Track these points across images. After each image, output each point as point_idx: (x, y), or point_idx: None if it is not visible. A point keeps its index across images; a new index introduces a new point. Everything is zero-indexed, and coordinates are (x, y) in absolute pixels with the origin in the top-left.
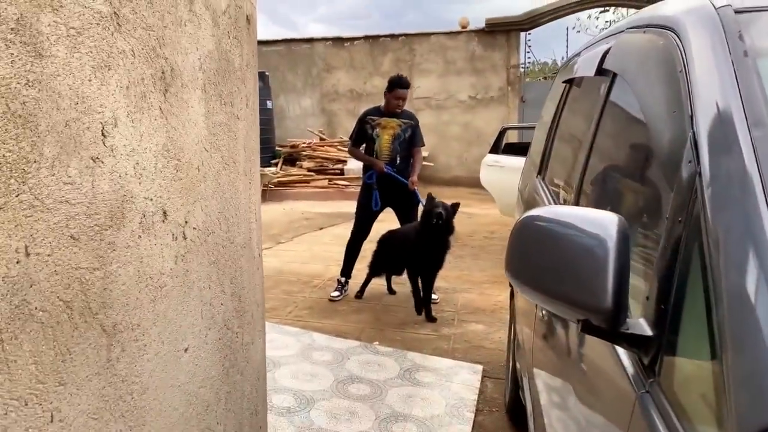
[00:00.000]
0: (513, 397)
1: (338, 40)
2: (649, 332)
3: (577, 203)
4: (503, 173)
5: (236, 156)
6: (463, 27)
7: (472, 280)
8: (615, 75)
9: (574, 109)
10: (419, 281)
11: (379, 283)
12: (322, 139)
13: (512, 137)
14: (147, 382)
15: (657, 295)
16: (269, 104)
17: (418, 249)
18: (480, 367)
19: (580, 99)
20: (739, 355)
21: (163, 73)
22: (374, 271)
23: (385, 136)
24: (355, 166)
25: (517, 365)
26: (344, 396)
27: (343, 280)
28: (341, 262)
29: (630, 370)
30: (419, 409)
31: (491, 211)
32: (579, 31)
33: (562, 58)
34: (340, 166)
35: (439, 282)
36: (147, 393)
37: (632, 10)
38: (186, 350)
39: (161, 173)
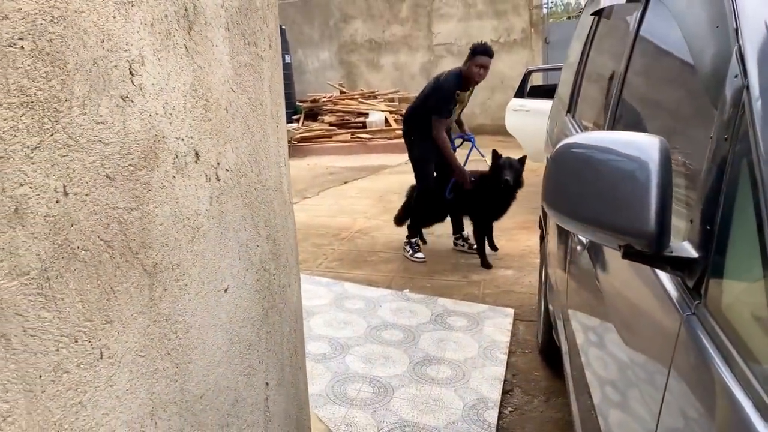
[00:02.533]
0: (546, 339)
1: None
2: (694, 254)
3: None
4: (529, 117)
5: (263, 98)
6: None
7: (501, 226)
8: None
9: (604, 40)
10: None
11: (404, 234)
12: (342, 92)
13: (536, 81)
14: (190, 321)
15: (702, 217)
16: (288, 59)
17: (488, 202)
18: (511, 311)
19: (610, 29)
20: None
21: (186, 10)
22: (434, 219)
23: (457, 111)
24: (377, 118)
25: (550, 307)
26: (378, 342)
27: (409, 240)
28: (368, 215)
29: (674, 294)
30: (452, 352)
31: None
32: None
33: None
34: (362, 119)
35: (468, 229)
36: (190, 332)
37: None
38: (226, 290)
39: (191, 113)
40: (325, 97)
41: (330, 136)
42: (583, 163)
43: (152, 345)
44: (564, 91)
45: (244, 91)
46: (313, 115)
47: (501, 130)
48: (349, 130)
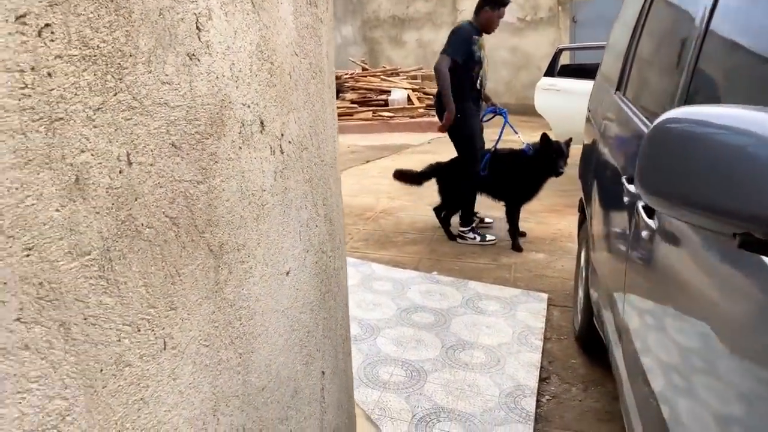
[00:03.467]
0: (584, 326)
1: None
2: None
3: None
4: (560, 97)
5: (322, 64)
6: None
7: (530, 209)
8: None
9: (667, 12)
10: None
11: (429, 215)
12: (364, 69)
13: (564, 60)
14: (254, 306)
15: None
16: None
17: (526, 184)
18: (545, 296)
19: (675, 0)
20: None
21: None
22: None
23: (485, 59)
24: (399, 96)
25: (592, 293)
26: (409, 324)
27: (471, 226)
28: (391, 195)
29: None
30: (486, 337)
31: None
32: None
33: None
34: (384, 96)
35: (495, 212)
36: (254, 318)
37: None
38: (287, 273)
39: (256, 77)
40: (346, 74)
41: (351, 114)
42: (689, 141)
43: (216, 333)
44: (611, 69)
45: (306, 55)
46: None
47: (527, 110)
48: (371, 108)
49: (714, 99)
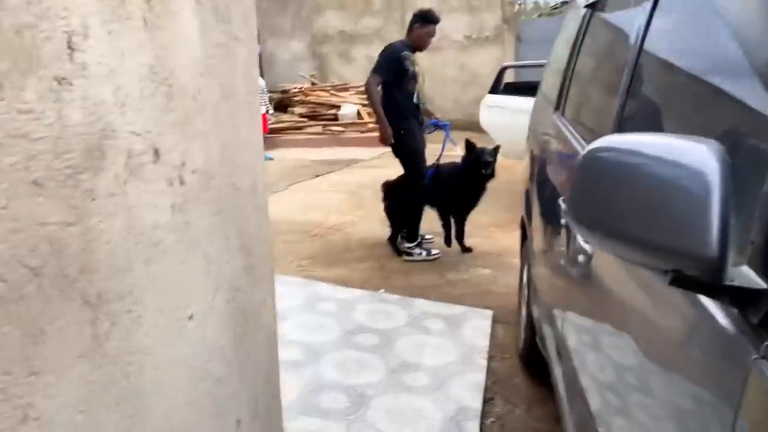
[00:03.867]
0: (528, 345)
1: None
2: (762, 284)
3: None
4: (505, 114)
5: (236, 84)
6: None
7: (477, 224)
8: None
9: (601, 32)
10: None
11: (379, 231)
12: (313, 83)
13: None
14: (145, 360)
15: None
16: (259, 49)
17: (462, 191)
18: (490, 312)
19: (611, 20)
20: None
21: None
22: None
23: (420, 74)
24: (349, 111)
25: (534, 311)
26: (353, 347)
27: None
28: (341, 210)
29: (728, 328)
30: (430, 358)
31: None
32: None
33: None
34: (334, 111)
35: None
36: (145, 374)
37: None
38: (190, 318)
39: (149, 101)
40: (296, 88)
41: (301, 128)
42: (622, 172)
43: (95, 397)
44: (550, 88)
45: (215, 76)
46: (283, 106)
47: (474, 126)
48: (321, 122)
49: (648, 120)
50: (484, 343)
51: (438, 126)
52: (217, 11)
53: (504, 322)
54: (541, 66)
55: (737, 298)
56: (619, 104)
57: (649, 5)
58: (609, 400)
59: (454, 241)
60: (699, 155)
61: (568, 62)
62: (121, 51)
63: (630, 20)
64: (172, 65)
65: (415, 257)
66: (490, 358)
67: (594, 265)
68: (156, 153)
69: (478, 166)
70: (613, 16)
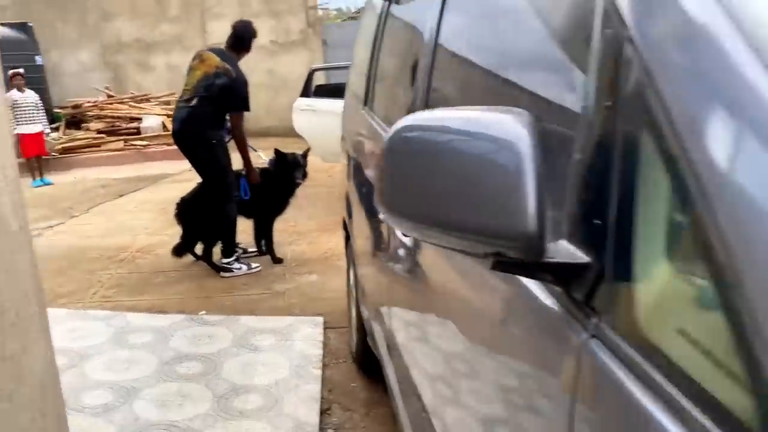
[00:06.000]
0: (361, 347)
1: None
2: (584, 258)
3: None
4: (317, 117)
5: None
6: None
7: (299, 230)
8: None
9: (402, 19)
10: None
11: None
12: (109, 96)
13: (319, 80)
14: None
15: (585, 208)
16: (39, 60)
17: (277, 198)
18: (320, 319)
19: (406, 11)
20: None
21: None
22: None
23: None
24: (152, 123)
25: (363, 312)
26: (173, 378)
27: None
28: (150, 231)
29: (556, 310)
30: (261, 377)
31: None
32: None
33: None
34: (135, 124)
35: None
36: None
37: None
38: None
39: None
40: (89, 102)
41: (99, 145)
42: (430, 152)
43: None
44: (357, 85)
45: None
46: (76, 122)
47: (288, 132)
48: (122, 137)
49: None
50: (317, 351)
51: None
52: None
53: (336, 327)
54: (349, 67)
55: (560, 276)
56: (420, 90)
57: None
58: (441, 392)
59: (278, 249)
60: (507, 125)
61: (371, 59)
62: None
63: (423, 10)
64: None
65: (236, 272)
66: (325, 366)
67: (414, 258)
68: None
69: (290, 173)
70: (408, 8)
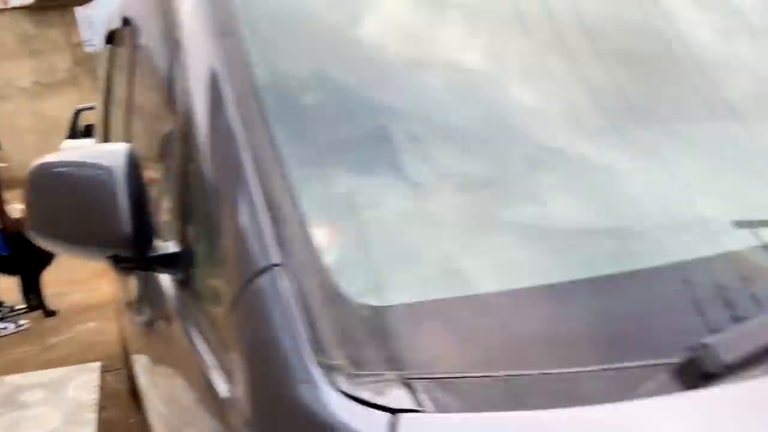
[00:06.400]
0: (133, 382)
1: None
2: (176, 249)
3: None
4: None
5: None
6: (5, 3)
7: (76, 279)
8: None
9: (116, 67)
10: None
11: None
12: None
13: (92, 120)
14: None
15: (176, 212)
16: None
17: (38, 248)
18: (97, 364)
19: (119, 54)
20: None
21: None
22: None
23: None
24: None
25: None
26: None
27: None
28: None
29: (172, 293)
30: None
31: None
32: None
33: None
34: None
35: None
36: None
37: None
38: None
39: None
40: None
41: None
42: (57, 182)
43: None
44: (99, 123)
45: None
46: None
47: None
48: None
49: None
50: (92, 396)
51: None
52: None
53: (114, 370)
54: None
55: (166, 264)
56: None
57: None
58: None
59: (54, 300)
60: (109, 156)
61: (104, 99)
62: None
63: (125, 55)
64: None
65: (1, 333)
66: (102, 408)
67: (140, 306)
68: None
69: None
70: (120, 49)
